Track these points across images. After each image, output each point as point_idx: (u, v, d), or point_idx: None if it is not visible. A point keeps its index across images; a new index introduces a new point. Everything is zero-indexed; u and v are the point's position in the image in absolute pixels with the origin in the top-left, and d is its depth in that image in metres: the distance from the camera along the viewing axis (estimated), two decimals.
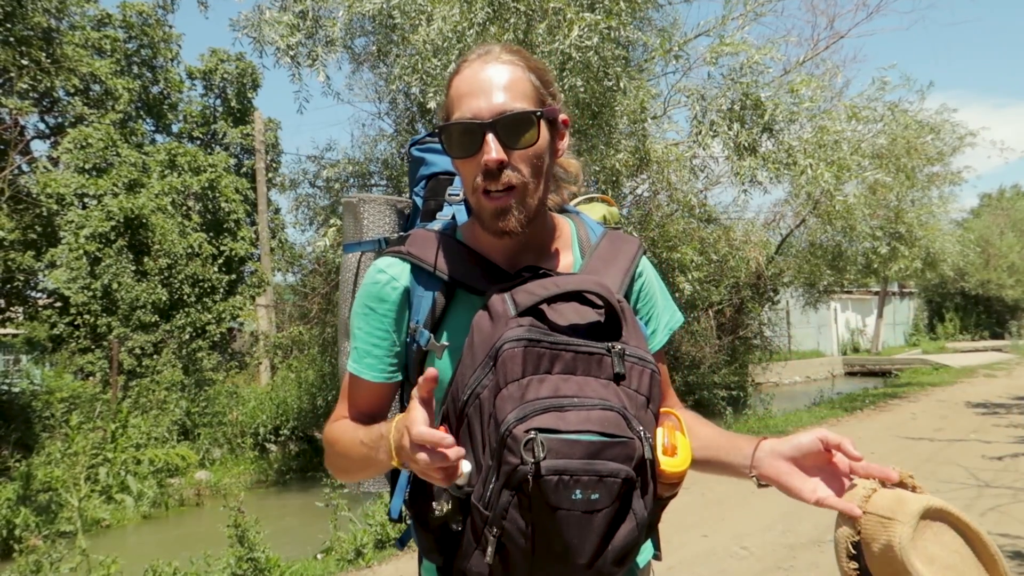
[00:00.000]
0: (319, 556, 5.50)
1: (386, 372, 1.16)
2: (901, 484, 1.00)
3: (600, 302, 1.02)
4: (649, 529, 1.03)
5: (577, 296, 1.03)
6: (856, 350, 27.24)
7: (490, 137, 1.03)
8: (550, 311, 0.99)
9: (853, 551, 0.98)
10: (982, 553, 0.94)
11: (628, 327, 1.01)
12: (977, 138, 13.15)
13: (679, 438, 1.04)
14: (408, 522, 1.26)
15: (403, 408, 1.35)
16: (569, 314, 1.00)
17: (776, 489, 1.06)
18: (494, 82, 1.06)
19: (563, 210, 1.27)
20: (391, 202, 1.47)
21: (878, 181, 10.05)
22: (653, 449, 0.97)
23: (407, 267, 1.15)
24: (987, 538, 0.94)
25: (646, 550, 1.18)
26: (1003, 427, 9.43)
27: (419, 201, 1.41)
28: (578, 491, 0.88)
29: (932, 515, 0.94)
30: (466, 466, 0.93)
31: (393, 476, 1.31)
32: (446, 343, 1.10)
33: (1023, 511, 5.46)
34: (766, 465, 1.07)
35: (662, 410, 1.06)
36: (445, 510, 0.97)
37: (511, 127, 1.04)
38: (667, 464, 1.00)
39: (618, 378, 0.97)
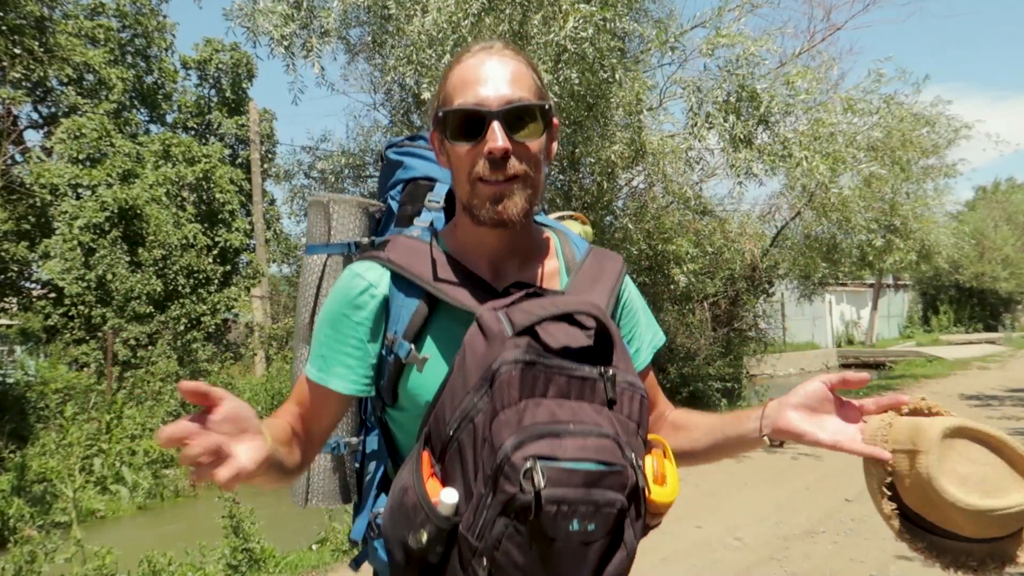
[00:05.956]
0: (314, 547, 5.50)
1: (359, 384, 1.10)
2: (914, 411, 1.00)
3: (594, 324, 0.99)
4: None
5: (566, 317, 0.99)
6: (851, 342, 27.32)
7: (496, 125, 1.00)
8: (543, 332, 0.95)
9: (888, 492, 0.97)
10: (1011, 457, 0.92)
11: (618, 351, 0.98)
12: (972, 131, 13.13)
13: (667, 466, 1.01)
14: (365, 547, 1.17)
15: (360, 425, 1.35)
16: (560, 336, 0.96)
17: (792, 441, 1.04)
18: (500, 73, 1.04)
19: (544, 224, 1.24)
20: (362, 204, 1.41)
21: (873, 174, 10.05)
22: (644, 477, 0.94)
23: (387, 273, 1.10)
24: (1011, 441, 0.93)
25: None
26: (996, 419, 9.48)
27: (394, 205, 1.36)
28: (575, 521, 0.84)
29: (953, 435, 0.93)
30: (452, 496, 0.88)
31: (347, 493, 1.32)
32: (427, 355, 1.06)
33: None
34: (777, 418, 1.05)
35: (650, 436, 1.03)
36: (426, 540, 0.89)
37: (517, 117, 1.02)
38: (657, 494, 0.97)
39: (610, 404, 0.93)
